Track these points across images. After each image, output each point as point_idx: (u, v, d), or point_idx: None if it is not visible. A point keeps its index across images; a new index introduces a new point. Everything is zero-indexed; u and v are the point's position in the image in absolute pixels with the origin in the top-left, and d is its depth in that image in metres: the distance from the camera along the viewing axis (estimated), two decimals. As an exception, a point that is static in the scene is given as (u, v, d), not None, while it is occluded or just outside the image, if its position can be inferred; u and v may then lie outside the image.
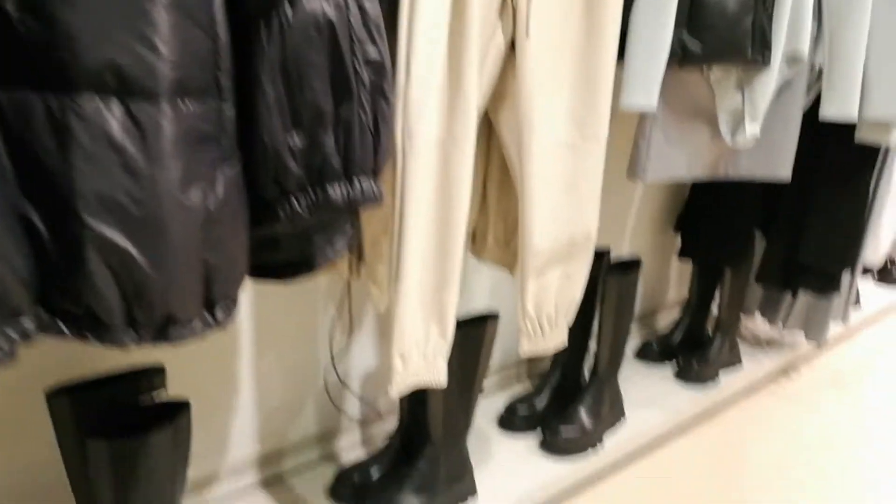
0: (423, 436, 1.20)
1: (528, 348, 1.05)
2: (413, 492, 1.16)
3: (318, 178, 0.64)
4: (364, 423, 1.39)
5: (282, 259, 0.78)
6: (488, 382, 1.61)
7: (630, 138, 1.20)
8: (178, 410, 0.87)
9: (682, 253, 1.80)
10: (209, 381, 1.14)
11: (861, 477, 1.56)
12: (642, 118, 1.16)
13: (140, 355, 1.02)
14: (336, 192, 0.64)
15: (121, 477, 0.81)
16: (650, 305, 1.98)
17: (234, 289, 0.64)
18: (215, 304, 0.62)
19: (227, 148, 0.60)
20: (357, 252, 1.03)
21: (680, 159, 1.20)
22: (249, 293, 1.14)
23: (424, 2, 0.79)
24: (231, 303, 0.65)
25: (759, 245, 1.77)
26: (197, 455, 1.16)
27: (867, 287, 2.48)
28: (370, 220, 0.99)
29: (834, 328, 1.94)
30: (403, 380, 0.92)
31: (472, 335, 1.13)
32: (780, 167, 1.32)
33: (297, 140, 0.62)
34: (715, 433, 1.67)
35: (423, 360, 0.94)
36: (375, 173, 0.67)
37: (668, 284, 2.01)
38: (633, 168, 1.19)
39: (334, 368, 1.30)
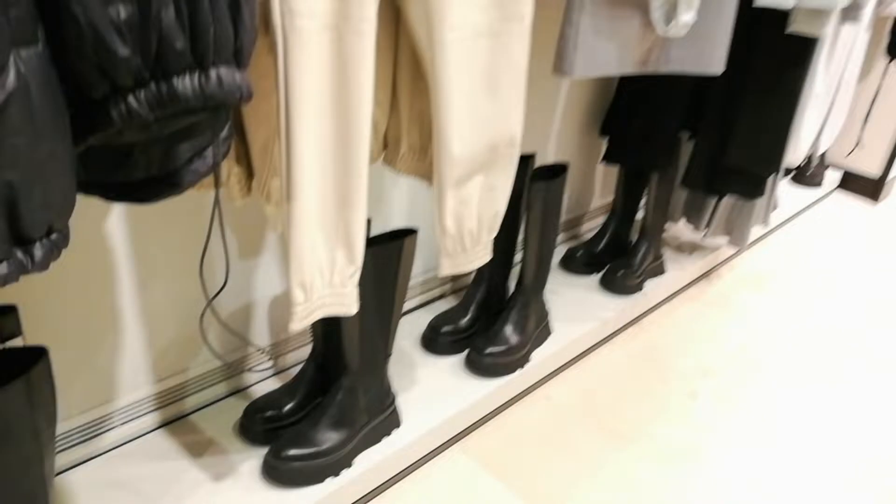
0: (339, 364, 1.10)
1: (448, 269, 0.94)
2: (330, 427, 1.06)
3: (157, 65, 0.47)
4: (274, 350, 1.28)
5: (141, 176, 0.63)
6: (409, 303, 1.51)
7: (554, 35, 1.07)
8: (34, 360, 0.73)
9: (608, 158, 1.72)
10: (86, 320, 0.99)
11: (784, 376, 1.58)
12: (570, 4, 1.03)
13: (-8, 295, 0.86)
14: (185, 84, 0.48)
15: (-35, 443, 0.68)
16: (575, 213, 1.91)
17: (58, 218, 0.49)
18: (33, 239, 0.47)
19: (19, 22, 0.43)
20: (245, 164, 0.88)
21: (610, 52, 1.09)
22: (123, 215, 0.97)
23: None
24: (59, 237, 0.49)
25: (686, 149, 1.71)
26: (81, 403, 1.03)
27: (782, 188, 2.49)
28: (259, 124, 0.84)
29: (754, 231, 1.94)
30: (306, 312, 0.80)
31: (389, 253, 1.02)
32: (713, 61, 1.23)
33: (121, 12, 0.45)
34: (640, 341, 1.66)
35: (328, 289, 0.81)
36: (239, 59, 0.51)
37: (593, 190, 1.94)
38: (560, 62, 1.06)
39: (210, 305, 1.16)
